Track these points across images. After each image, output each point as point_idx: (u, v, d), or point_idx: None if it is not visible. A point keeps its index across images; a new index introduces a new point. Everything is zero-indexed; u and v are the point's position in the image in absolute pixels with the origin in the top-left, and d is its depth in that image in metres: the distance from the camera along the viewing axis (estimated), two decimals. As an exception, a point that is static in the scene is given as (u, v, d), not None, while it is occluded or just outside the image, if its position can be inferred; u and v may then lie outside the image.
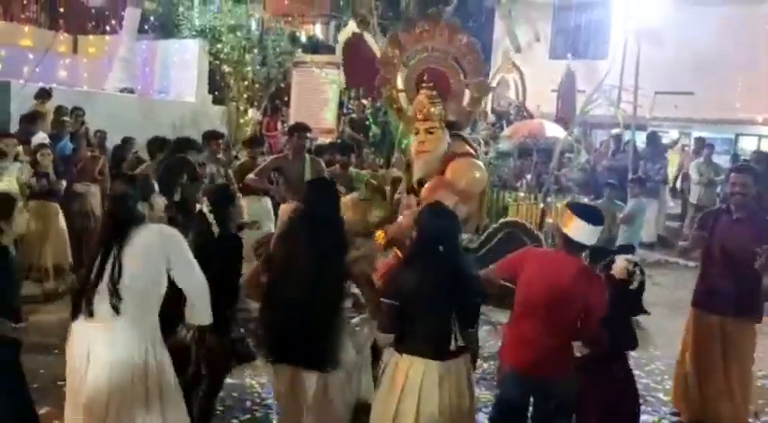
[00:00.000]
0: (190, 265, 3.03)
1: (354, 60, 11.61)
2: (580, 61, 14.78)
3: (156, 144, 5.81)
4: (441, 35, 4.32)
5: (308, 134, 6.70)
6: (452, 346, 2.96)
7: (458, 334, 2.95)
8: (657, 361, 5.64)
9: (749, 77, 13.91)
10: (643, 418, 4.10)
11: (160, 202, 3.25)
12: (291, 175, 6.09)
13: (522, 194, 8.74)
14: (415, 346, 2.98)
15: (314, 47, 14.24)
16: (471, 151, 4.29)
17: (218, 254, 3.42)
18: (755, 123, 14.85)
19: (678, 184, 13.00)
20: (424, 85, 4.17)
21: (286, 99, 12.58)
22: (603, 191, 8.17)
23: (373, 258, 3.81)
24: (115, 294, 2.82)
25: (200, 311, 3.09)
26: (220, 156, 6.77)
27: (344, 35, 11.00)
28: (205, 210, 3.62)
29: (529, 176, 9.45)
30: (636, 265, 3.47)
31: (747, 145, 15.13)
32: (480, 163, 4.34)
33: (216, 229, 3.55)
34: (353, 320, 3.42)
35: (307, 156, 6.36)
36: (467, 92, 4.31)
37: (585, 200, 8.50)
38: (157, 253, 2.94)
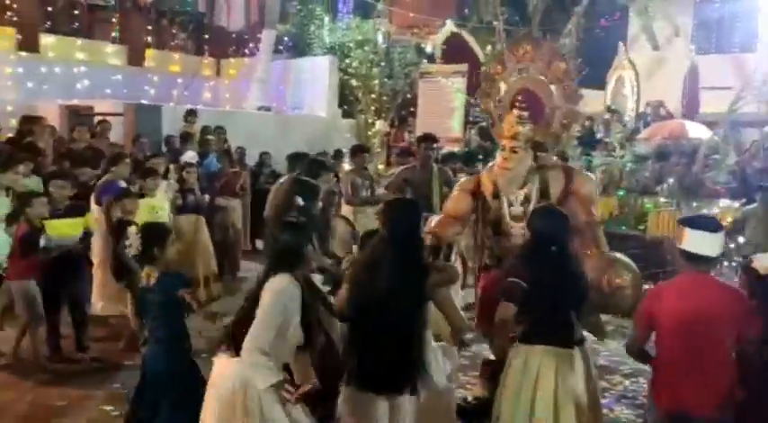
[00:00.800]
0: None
1: (453, 60, 11.59)
2: (726, 55, 13.77)
3: (296, 158, 6.13)
4: (541, 59, 4.49)
5: (436, 144, 6.74)
6: (577, 336, 3.22)
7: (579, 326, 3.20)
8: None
9: None
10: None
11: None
12: (420, 186, 6.14)
13: (662, 200, 8.27)
14: (545, 335, 3.17)
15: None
16: (559, 162, 4.52)
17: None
18: None
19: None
20: (517, 104, 4.29)
21: (412, 110, 12.74)
22: (755, 195, 7.50)
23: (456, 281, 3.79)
24: None
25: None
26: (366, 168, 7.11)
27: (442, 36, 10.99)
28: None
29: (671, 180, 8.90)
30: None
31: None
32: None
33: None
34: (437, 346, 3.41)
35: (434, 165, 6.40)
36: (557, 116, 4.41)
37: (736, 204, 7.88)
38: None
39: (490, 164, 4.54)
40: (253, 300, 2.99)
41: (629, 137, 10.43)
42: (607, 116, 11.83)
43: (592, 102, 11.58)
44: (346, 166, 8.42)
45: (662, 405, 3.08)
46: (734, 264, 7.35)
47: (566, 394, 3.11)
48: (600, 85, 13.10)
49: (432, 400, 3.25)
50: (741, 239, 7.28)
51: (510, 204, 4.25)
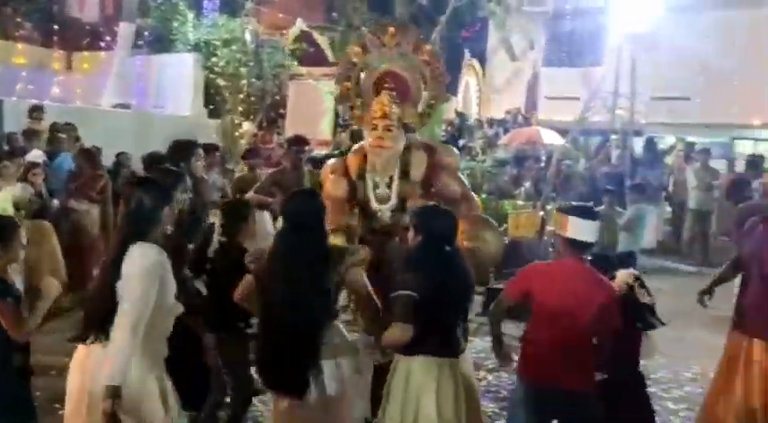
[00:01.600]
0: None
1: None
2: (576, 68, 14.84)
3: (153, 160, 5.75)
4: (407, 43, 4.50)
5: (306, 146, 6.66)
6: (463, 344, 3.04)
7: (463, 333, 3.04)
8: (663, 369, 5.57)
9: (744, 81, 13.95)
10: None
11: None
12: (290, 189, 6.02)
13: (521, 203, 8.73)
14: (428, 346, 2.97)
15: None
16: (420, 141, 4.48)
17: (224, 264, 3.51)
18: (751, 127, 14.88)
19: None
20: (386, 86, 4.35)
21: (282, 111, 12.57)
22: (603, 198, 8.13)
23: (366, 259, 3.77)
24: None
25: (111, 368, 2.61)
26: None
27: (292, 35, 11.03)
28: (217, 222, 3.63)
29: (527, 184, 9.43)
30: (637, 279, 3.35)
31: (744, 149, 15.12)
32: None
33: (221, 240, 3.60)
34: (356, 340, 3.30)
35: (305, 168, 6.32)
36: (424, 97, 4.48)
37: (585, 207, 8.48)
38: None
39: (356, 146, 4.50)
40: (110, 276, 2.67)
41: (490, 142, 10.95)
42: (469, 121, 12.35)
43: (448, 109, 12.08)
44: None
45: (531, 378, 3.21)
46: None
47: (448, 409, 2.98)
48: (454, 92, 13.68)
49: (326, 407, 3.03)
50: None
51: (375, 186, 4.23)
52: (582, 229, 3.16)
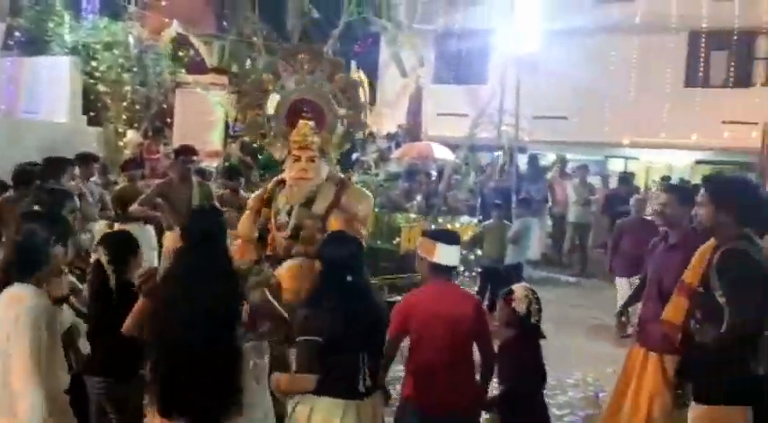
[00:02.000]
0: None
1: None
2: (463, 86, 15.33)
3: (24, 174, 5.25)
4: (322, 71, 4.50)
5: (195, 157, 6.42)
6: (362, 386, 2.88)
7: (367, 372, 2.88)
8: (548, 377, 5.77)
9: (616, 103, 15.00)
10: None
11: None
12: (178, 201, 5.77)
13: (413, 216, 8.85)
14: (331, 386, 2.83)
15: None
16: (337, 175, 4.56)
17: (118, 305, 3.20)
18: (622, 146, 16.00)
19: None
20: (304, 114, 4.34)
21: (169, 120, 12.07)
22: (491, 212, 8.41)
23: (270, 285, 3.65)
24: None
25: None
26: (95, 179, 6.38)
27: (167, 36, 10.75)
28: (102, 259, 3.36)
29: (419, 198, 9.59)
30: (533, 293, 3.46)
31: (615, 166, 16.23)
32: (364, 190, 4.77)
33: (112, 280, 3.32)
34: (246, 345, 3.10)
35: (194, 180, 6.09)
36: (339, 126, 4.50)
37: (474, 220, 8.74)
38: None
39: (279, 176, 4.50)
40: None
41: (382, 156, 11.05)
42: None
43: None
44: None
45: (420, 405, 3.25)
46: (474, 274, 8.14)
47: None
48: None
49: None
50: (479, 252, 8.09)
51: (277, 213, 4.27)
52: (448, 254, 3.32)
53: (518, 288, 3.48)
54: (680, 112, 14.74)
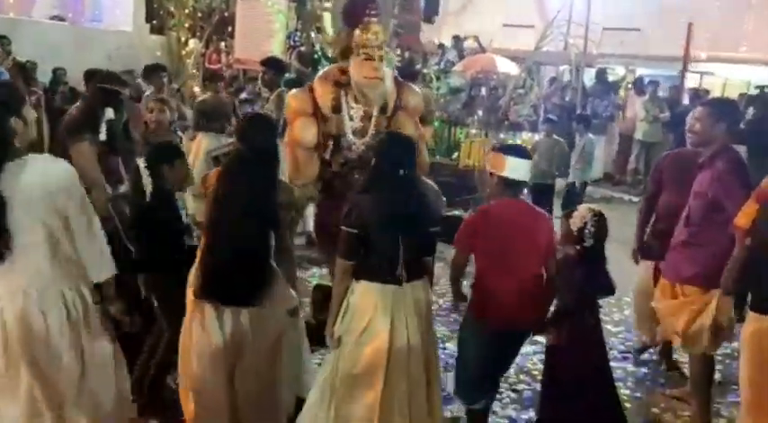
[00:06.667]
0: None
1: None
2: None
3: (93, 76, 5.43)
4: None
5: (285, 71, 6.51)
6: (401, 271, 2.98)
7: (406, 262, 2.98)
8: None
9: (693, 14, 14.03)
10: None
11: (31, 116, 2.78)
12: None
13: (474, 131, 8.72)
14: (369, 270, 3.00)
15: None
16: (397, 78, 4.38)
17: (150, 208, 3.49)
18: (699, 60, 15.09)
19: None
20: (374, 13, 4.08)
21: (230, 30, 12.03)
22: (542, 126, 8.21)
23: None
24: None
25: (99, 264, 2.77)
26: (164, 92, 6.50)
27: None
28: (140, 164, 3.60)
29: (480, 112, 9.38)
30: (596, 214, 3.30)
31: (691, 82, 15.37)
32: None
33: (149, 186, 3.53)
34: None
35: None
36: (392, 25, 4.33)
37: (536, 137, 8.54)
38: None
39: (320, 74, 4.28)
40: None
41: (444, 69, 10.77)
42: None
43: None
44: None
45: (486, 321, 3.27)
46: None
47: (399, 338, 2.99)
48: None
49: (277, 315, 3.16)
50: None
51: (351, 118, 4.07)
52: (518, 169, 3.26)
53: (581, 208, 3.40)
54: (763, 25, 13.72)
